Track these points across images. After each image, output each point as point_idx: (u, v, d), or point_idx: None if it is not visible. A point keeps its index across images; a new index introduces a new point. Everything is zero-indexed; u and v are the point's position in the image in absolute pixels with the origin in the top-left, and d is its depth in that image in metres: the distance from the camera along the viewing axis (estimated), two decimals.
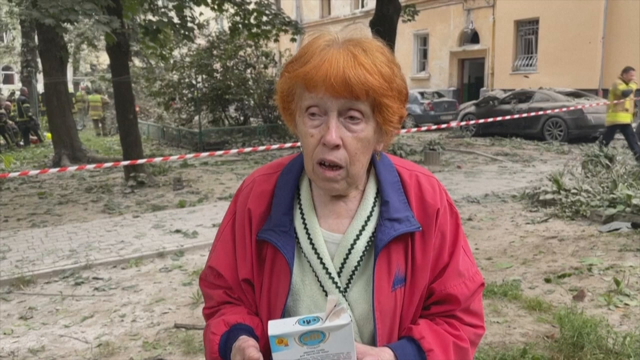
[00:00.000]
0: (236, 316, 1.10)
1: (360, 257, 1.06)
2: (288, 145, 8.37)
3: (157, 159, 7.92)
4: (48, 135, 14.81)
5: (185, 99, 16.55)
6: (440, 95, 19.60)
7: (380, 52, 1.01)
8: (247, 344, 0.97)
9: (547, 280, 4.43)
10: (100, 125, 20.03)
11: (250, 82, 15.63)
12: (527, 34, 20.30)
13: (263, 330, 1.08)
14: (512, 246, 5.41)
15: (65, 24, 7.56)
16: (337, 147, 0.99)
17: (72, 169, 6.81)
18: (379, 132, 1.05)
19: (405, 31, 21.70)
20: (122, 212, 7.25)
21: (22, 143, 16.39)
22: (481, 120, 11.53)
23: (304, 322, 0.91)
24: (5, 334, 3.79)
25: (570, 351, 3.19)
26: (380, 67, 0.98)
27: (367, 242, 1.07)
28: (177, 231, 6.10)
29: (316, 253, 1.07)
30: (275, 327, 0.91)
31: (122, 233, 6.13)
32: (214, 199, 7.93)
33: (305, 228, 1.08)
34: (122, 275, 4.91)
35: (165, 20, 9.32)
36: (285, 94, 1.06)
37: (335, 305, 0.91)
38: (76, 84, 32.58)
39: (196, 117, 15.73)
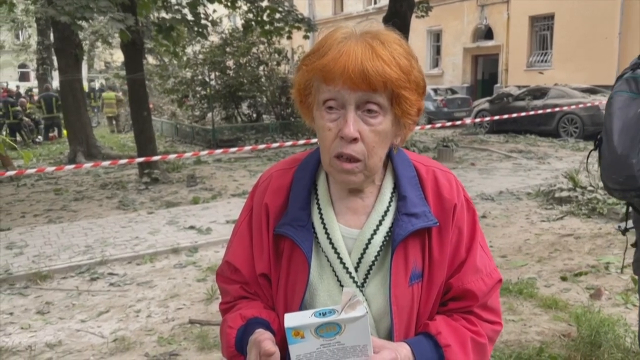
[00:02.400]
0: (253, 310, 1.10)
1: (378, 252, 1.06)
2: (301, 142, 8.37)
3: (172, 156, 7.96)
4: (65, 131, 14.98)
5: (198, 96, 16.63)
6: (453, 91, 19.47)
7: (397, 44, 1.00)
8: (263, 337, 0.97)
9: (563, 279, 4.39)
10: (114, 122, 20.19)
11: (263, 79, 15.65)
12: (542, 29, 20.07)
13: (279, 324, 1.08)
14: (527, 244, 5.36)
15: (81, 21, 7.63)
16: (354, 140, 0.99)
17: (88, 165, 6.89)
18: (397, 125, 1.05)
19: (418, 27, 21.52)
20: (136, 208, 7.31)
21: (37, 140, 16.57)
22: (496, 117, 11.42)
23: (320, 314, 0.91)
24: (22, 328, 3.84)
25: (588, 350, 3.15)
26: (398, 59, 0.98)
27: (384, 237, 1.07)
28: (191, 227, 6.14)
29: (333, 248, 1.06)
30: (291, 319, 0.91)
31: (137, 229, 6.18)
32: (227, 196, 7.96)
33: (323, 223, 1.08)
34: (137, 271, 4.95)
35: (179, 17, 9.36)
36: (302, 88, 1.06)
37: (350, 298, 0.91)
38: (90, 81, 32.87)
39: (209, 114, 15.79)
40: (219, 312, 3.80)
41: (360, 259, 1.06)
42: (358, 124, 0.99)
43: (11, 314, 4.10)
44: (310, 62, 1.01)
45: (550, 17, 19.36)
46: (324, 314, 0.90)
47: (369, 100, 0.98)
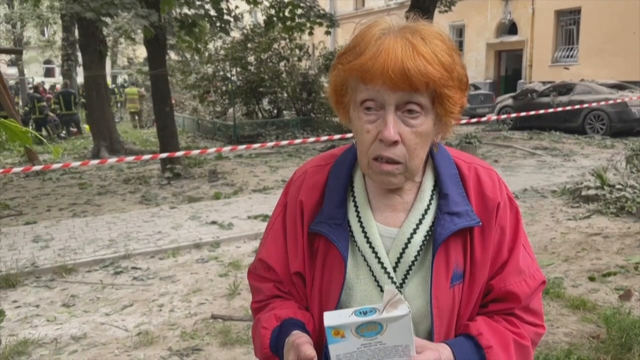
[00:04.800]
0: (287, 310, 1.07)
1: (418, 251, 1.03)
2: (324, 138, 8.32)
3: (195, 152, 8.00)
4: (87, 127, 15.19)
5: (219, 91, 16.69)
6: (476, 87, 19.21)
7: (439, 40, 0.95)
8: (302, 340, 0.95)
9: (591, 279, 4.29)
10: (136, 117, 20.40)
11: (284, 75, 15.65)
12: (568, 24, 19.69)
13: (315, 325, 1.06)
14: (553, 243, 5.26)
15: (105, 18, 7.69)
16: (395, 143, 0.95)
17: (113, 160, 6.95)
18: (439, 124, 1.01)
19: (440, 23, 21.23)
20: (159, 203, 7.36)
21: (62, 135, 16.82)
22: (522, 114, 11.21)
23: (360, 313, 0.88)
24: (48, 321, 3.89)
25: (618, 353, 3.07)
26: (440, 56, 0.93)
27: (425, 237, 1.03)
28: (213, 222, 6.16)
29: (371, 247, 1.03)
30: (332, 318, 0.89)
31: (160, 224, 6.22)
32: (248, 191, 7.98)
33: (360, 221, 1.05)
34: (160, 266, 4.99)
35: (202, 13, 9.39)
36: (338, 88, 1.01)
37: (392, 297, 0.88)
38: (114, 77, 33.29)
39: (230, 110, 15.85)
40: (241, 307, 3.76)
41: (399, 259, 1.03)
42: (398, 125, 0.95)
43: (37, 306, 4.16)
44: (346, 60, 0.96)
45: (576, 12, 18.98)
46: (365, 313, 0.88)
47: (410, 100, 0.94)
